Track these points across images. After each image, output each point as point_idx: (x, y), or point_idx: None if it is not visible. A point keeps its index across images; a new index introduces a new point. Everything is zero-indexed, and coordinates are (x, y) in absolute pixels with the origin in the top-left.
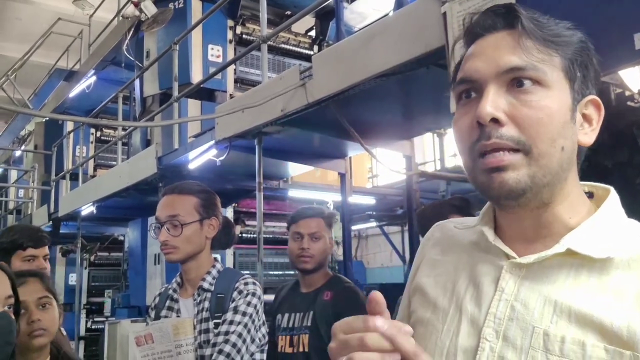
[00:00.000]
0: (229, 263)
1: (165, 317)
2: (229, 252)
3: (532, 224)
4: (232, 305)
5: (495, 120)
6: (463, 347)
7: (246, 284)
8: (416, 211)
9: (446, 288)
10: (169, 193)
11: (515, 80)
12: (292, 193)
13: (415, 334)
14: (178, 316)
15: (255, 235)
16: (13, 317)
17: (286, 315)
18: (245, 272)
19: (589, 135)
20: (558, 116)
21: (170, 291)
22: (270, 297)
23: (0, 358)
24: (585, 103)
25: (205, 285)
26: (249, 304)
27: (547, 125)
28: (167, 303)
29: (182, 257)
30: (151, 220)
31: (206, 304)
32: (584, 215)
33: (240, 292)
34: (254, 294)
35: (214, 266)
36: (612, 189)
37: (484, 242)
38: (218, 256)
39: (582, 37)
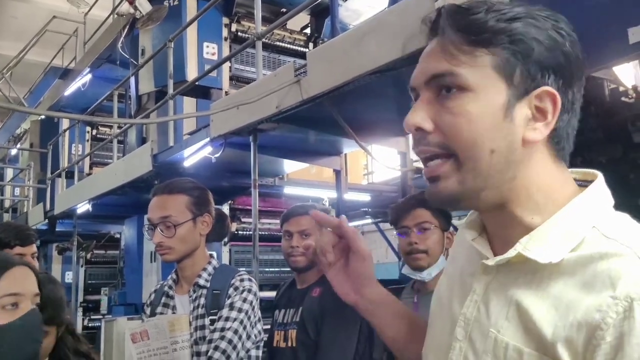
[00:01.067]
0: (225, 260)
1: (161, 313)
2: (225, 249)
3: (496, 225)
4: (228, 301)
5: (420, 129)
6: (445, 345)
7: (242, 280)
8: (391, 206)
9: (451, 286)
10: (159, 193)
11: (443, 87)
12: (288, 190)
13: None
14: (174, 313)
15: (251, 232)
16: (40, 314)
17: (282, 310)
18: (241, 269)
19: (539, 131)
20: (481, 120)
21: (166, 288)
22: (266, 294)
23: (28, 355)
24: (536, 96)
25: (201, 281)
26: (244, 300)
27: (467, 131)
28: (163, 300)
29: (178, 257)
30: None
31: (202, 301)
32: (554, 212)
33: (236, 289)
34: (249, 291)
35: (209, 263)
36: (599, 175)
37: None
38: (214, 253)
39: (526, 25)
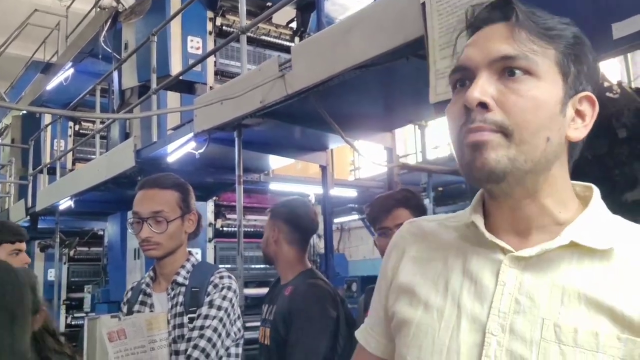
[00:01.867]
0: (210, 257)
1: (138, 311)
2: (210, 246)
3: (521, 215)
4: (207, 299)
5: (483, 106)
6: (467, 343)
7: (221, 277)
8: (367, 205)
9: (437, 285)
10: (149, 186)
11: (507, 69)
12: (273, 186)
13: (400, 335)
14: (151, 311)
15: (236, 229)
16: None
17: (266, 306)
18: (226, 265)
19: (579, 131)
20: (545, 107)
21: (143, 285)
22: (251, 291)
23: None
24: (579, 99)
25: (180, 279)
26: (224, 297)
27: (533, 114)
28: (140, 297)
29: (163, 253)
30: (130, 214)
31: (180, 299)
32: (574, 211)
33: (215, 286)
34: (229, 288)
35: (188, 260)
36: (594, 187)
37: (474, 236)
38: (195, 250)
39: (576, 31)
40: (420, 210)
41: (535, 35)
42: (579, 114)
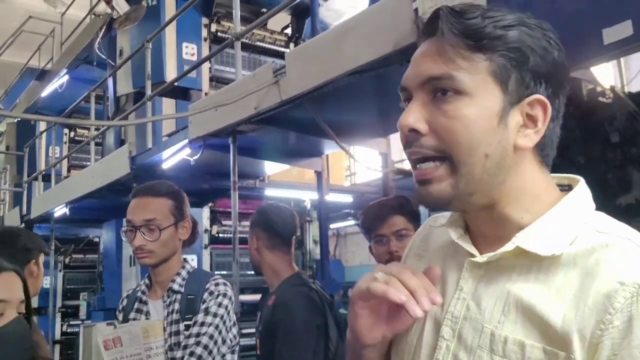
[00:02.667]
0: (206, 263)
1: (134, 319)
2: (206, 252)
3: (485, 224)
4: (203, 306)
5: (416, 131)
6: (427, 344)
7: (217, 284)
8: (361, 211)
9: None
10: (142, 195)
11: (438, 89)
12: (269, 192)
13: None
14: (147, 318)
15: (231, 235)
16: (26, 322)
17: (258, 315)
18: (222, 272)
19: (529, 137)
20: (477, 125)
21: (139, 293)
22: (247, 298)
23: None
24: (528, 103)
25: (175, 286)
26: (219, 305)
27: (463, 135)
28: (136, 305)
29: (157, 261)
30: (125, 222)
31: (176, 306)
32: (541, 212)
33: (211, 293)
34: (224, 295)
35: (183, 267)
36: (581, 180)
37: (454, 242)
38: (191, 257)
39: (521, 32)
40: (415, 217)
41: (466, 49)
42: (531, 119)
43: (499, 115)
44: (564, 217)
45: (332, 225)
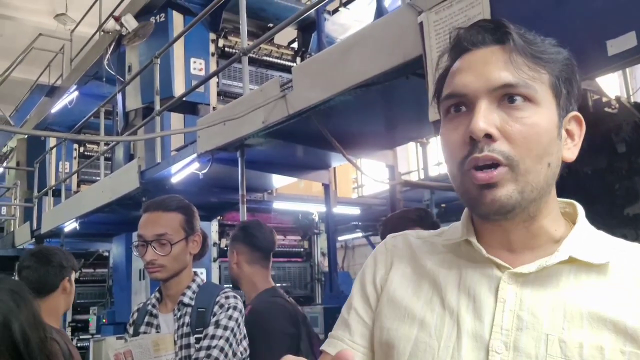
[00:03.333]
0: (215, 276)
1: (144, 332)
2: (215, 266)
3: (519, 236)
4: (214, 319)
5: (488, 136)
6: None
7: (227, 297)
8: (380, 223)
9: (432, 303)
10: (153, 209)
11: (506, 96)
12: (277, 205)
13: (392, 353)
14: (158, 332)
15: None
16: None
17: None
18: (231, 285)
19: (571, 151)
20: (546, 133)
21: (149, 307)
22: None
23: None
24: (568, 119)
25: (186, 300)
26: (230, 317)
27: (536, 142)
28: (146, 319)
29: (168, 275)
30: (135, 236)
31: (187, 319)
32: (565, 228)
33: (221, 306)
34: (235, 308)
35: (193, 280)
36: (576, 203)
37: (468, 254)
38: (200, 270)
39: (567, 54)
40: (434, 229)
41: (531, 60)
42: (568, 133)
43: (557, 127)
44: (589, 232)
45: (340, 238)
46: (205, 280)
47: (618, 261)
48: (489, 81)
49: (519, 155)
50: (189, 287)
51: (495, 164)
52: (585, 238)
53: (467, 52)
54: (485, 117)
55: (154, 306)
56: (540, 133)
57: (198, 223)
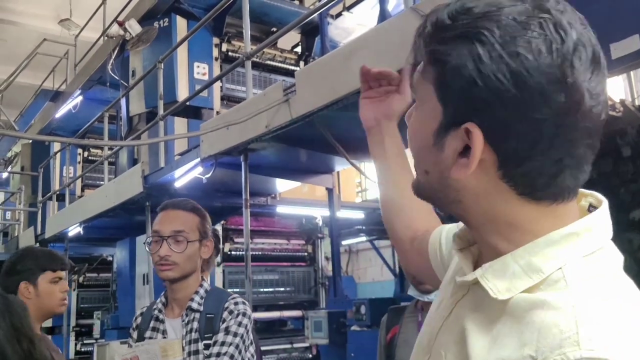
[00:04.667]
0: (218, 281)
1: (150, 338)
2: (218, 270)
3: (478, 241)
4: (223, 326)
5: None
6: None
7: (236, 303)
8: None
9: (436, 302)
10: (171, 208)
11: None
12: (280, 209)
13: None
14: (164, 337)
15: (244, 253)
16: None
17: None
18: (235, 289)
19: (461, 171)
20: (417, 137)
21: (155, 311)
22: (261, 315)
23: None
24: (463, 131)
25: (194, 305)
26: (239, 324)
27: (410, 141)
28: (152, 324)
29: (179, 274)
30: (141, 239)
31: (195, 325)
32: (523, 242)
33: (230, 312)
34: (244, 314)
35: (201, 285)
36: (602, 204)
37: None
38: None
39: (466, 48)
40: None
41: (422, 55)
42: (469, 149)
43: (435, 135)
44: (540, 255)
45: (343, 242)
46: (210, 286)
47: (522, 304)
48: None
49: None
50: (196, 292)
51: None
52: (527, 262)
53: None
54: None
55: (160, 311)
56: (411, 135)
57: (210, 230)
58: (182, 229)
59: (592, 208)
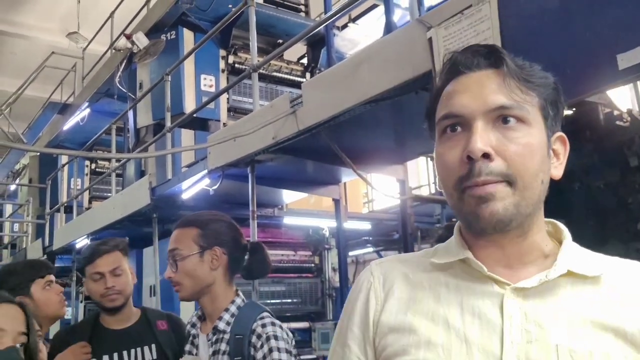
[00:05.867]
0: None
1: (189, 352)
2: None
3: (514, 251)
4: (260, 356)
5: (485, 155)
6: None
7: (264, 325)
8: (440, 227)
9: (436, 323)
10: (175, 227)
11: (500, 117)
12: (287, 220)
13: None
14: (197, 353)
15: None
16: (22, 355)
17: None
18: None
19: (558, 169)
20: (538, 152)
21: (189, 325)
22: None
23: None
24: (554, 139)
25: (221, 325)
26: (279, 349)
27: (531, 160)
28: (191, 337)
29: (189, 294)
30: (148, 251)
31: (223, 346)
32: (553, 244)
33: (259, 337)
34: (276, 338)
35: (233, 301)
36: (557, 222)
37: (464, 272)
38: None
39: (553, 79)
40: None
41: (523, 84)
42: (555, 153)
43: (547, 146)
44: (576, 248)
45: (350, 253)
46: (245, 300)
47: (609, 273)
48: (485, 103)
49: (516, 172)
50: (227, 310)
51: (496, 182)
52: (574, 253)
53: (462, 75)
54: (482, 138)
55: (193, 325)
56: (534, 151)
57: (225, 237)
58: (174, 246)
59: None
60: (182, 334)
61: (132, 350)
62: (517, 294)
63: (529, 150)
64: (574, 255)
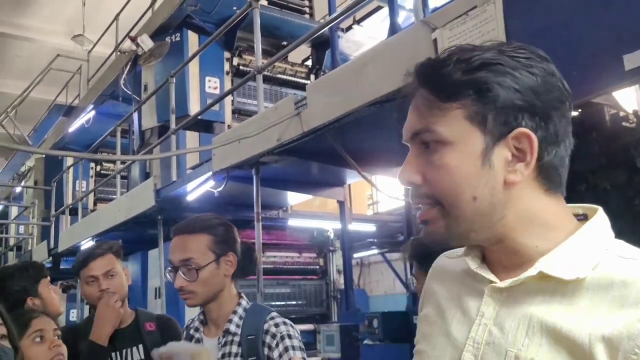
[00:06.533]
0: None
1: None
2: None
3: (501, 255)
4: (275, 355)
5: (414, 183)
6: None
7: (277, 325)
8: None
9: (438, 316)
10: (179, 233)
11: (424, 142)
12: (292, 222)
13: None
14: None
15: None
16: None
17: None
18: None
19: (519, 172)
20: (460, 170)
21: (192, 331)
22: None
23: None
24: (513, 138)
25: (232, 328)
26: (294, 347)
27: (450, 182)
28: (194, 341)
29: (201, 301)
30: (153, 253)
31: (234, 348)
32: (558, 240)
33: (273, 336)
34: (290, 337)
35: (239, 304)
36: (599, 209)
37: (471, 270)
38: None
39: (489, 73)
40: None
41: (437, 100)
42: (520, 152)
43: (482, 157)
44: (584, 244)
45: (355, 255)
46: (249, 302)
47: (599, 278)
48: (406, 131)
49: (438, 195)
50: (234, 312)
51: (427, 205)
52: (574, 251)
53: (412, 95)
54: (408, 166)
55: (196, 330)
56: (451, 172)
57: (234, 242)
58: (190, 256)
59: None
60: (171, 334)
61: (124, 351)
62: (497, 294)
63: (446, 172)
64: (568, 253)
